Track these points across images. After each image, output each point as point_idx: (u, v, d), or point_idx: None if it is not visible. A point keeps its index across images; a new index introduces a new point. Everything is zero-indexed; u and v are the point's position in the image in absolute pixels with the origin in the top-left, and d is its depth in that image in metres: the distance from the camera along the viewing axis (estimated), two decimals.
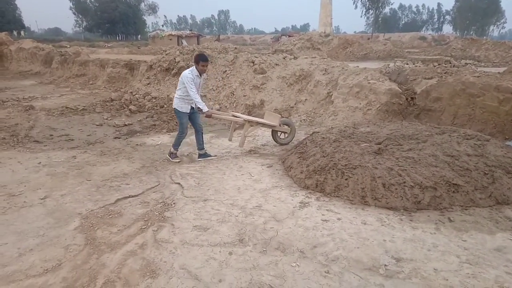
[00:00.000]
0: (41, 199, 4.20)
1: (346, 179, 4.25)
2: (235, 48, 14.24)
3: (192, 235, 3.41)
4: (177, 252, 3.13)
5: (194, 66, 5.37)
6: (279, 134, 6.50)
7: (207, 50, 11.98)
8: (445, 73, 7.67)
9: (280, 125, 6.32)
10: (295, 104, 8.95)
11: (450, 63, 13.43)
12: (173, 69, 11.40)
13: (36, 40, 23.63)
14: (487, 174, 4.11)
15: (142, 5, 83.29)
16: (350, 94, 7.87)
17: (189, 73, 5.29)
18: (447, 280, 2.72)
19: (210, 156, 5.87)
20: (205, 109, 5.38)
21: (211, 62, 11.01)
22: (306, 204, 4.04)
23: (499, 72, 7.98)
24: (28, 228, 3.53)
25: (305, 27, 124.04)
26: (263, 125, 6.26)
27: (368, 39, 38.36)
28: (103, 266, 2.93)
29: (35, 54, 19.06)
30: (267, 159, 5.76)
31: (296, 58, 10.60)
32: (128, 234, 3.44)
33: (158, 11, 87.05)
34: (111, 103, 10.20)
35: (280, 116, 6.39)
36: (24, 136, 6.96)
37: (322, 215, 3.78)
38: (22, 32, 65.15)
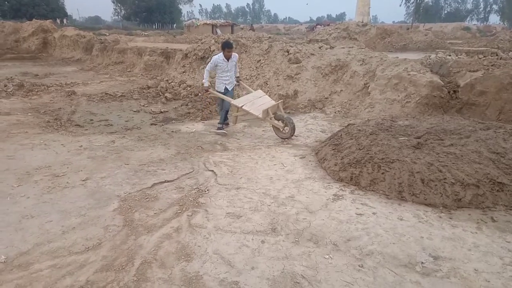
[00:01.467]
0: (83, 180, 4.39)
1: (382, 173, 4.15)
2: (270, 37, 14.11)
3: (225, 222, 3.46)
4: (211, 238, 3.18)
5: (222, 52, 6.38)
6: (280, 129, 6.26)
7: (242, 39, 11.95)
8: (492, 65, 7.26)
9: (270, 118, 6.13)
10: (329, 95, 8.78)
11: (497, 55, 12.64)
12: (208, 57, 11.48)
13: (77, 28, 24.53)
14: None
15: None
16: (388, 86, 7.62)
17: (216, 56, 6.42)
18: (488, 281, 2.61)
19: (223, 131, 6.54)
20: (205, 84, 6.44)
21: (245, 51, 10.98)
22: (340, 197, 3.99)
23: None
24: (71, 208, 3.71)
25: (341, 16, 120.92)
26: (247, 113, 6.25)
27: (408, 29, 36.79)
28: (140, 247, 3.03)
29: (77, 41, 19.78)
30: (300, 150, 5.71)
31: (333, 48, 10.37)
32: (164, 217, 3.53)
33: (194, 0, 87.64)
34: (148, 91, 10.44)
35: (264, 109, 6.00)
36: (67, 120, 7.28)
37: (357, 208, 3.71)
38: (64, 20, 67.77)
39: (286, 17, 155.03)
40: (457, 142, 4.55)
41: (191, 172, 4.75)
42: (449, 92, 7.13)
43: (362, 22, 30.02)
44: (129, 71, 14.82)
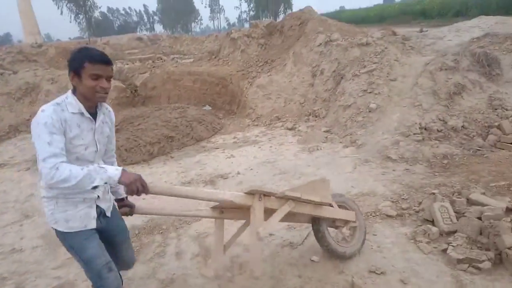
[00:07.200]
0: None
1: None
2: None
3: None
4: None
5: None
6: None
7: None
8: (153, 67, 9.98)
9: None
10: (30, 116, 9.18)
11: (161, 59, 16.28)
12: None
13: None
14: (188, 126, 6.49)
15: None
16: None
17: (49, 109, 1.71)
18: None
19: None
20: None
21: None
22: None
23: (190, 62, 11.02)
24: None
25: (7, 37, 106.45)
26: None
27: (87, 44, 38.18)
28: None
29: None
30: None
31: (16, 72, 10.51)
32: None
33: None
34: None
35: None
36: None
37: None
38: None
39: None
40: (142, 121, 6.66)
41: None
42: (131, 91, 9.31)
43: (36, 43, 28.85)
44: None
